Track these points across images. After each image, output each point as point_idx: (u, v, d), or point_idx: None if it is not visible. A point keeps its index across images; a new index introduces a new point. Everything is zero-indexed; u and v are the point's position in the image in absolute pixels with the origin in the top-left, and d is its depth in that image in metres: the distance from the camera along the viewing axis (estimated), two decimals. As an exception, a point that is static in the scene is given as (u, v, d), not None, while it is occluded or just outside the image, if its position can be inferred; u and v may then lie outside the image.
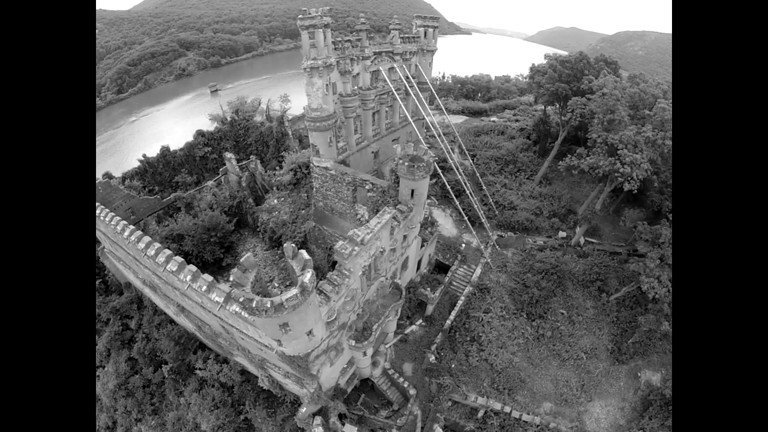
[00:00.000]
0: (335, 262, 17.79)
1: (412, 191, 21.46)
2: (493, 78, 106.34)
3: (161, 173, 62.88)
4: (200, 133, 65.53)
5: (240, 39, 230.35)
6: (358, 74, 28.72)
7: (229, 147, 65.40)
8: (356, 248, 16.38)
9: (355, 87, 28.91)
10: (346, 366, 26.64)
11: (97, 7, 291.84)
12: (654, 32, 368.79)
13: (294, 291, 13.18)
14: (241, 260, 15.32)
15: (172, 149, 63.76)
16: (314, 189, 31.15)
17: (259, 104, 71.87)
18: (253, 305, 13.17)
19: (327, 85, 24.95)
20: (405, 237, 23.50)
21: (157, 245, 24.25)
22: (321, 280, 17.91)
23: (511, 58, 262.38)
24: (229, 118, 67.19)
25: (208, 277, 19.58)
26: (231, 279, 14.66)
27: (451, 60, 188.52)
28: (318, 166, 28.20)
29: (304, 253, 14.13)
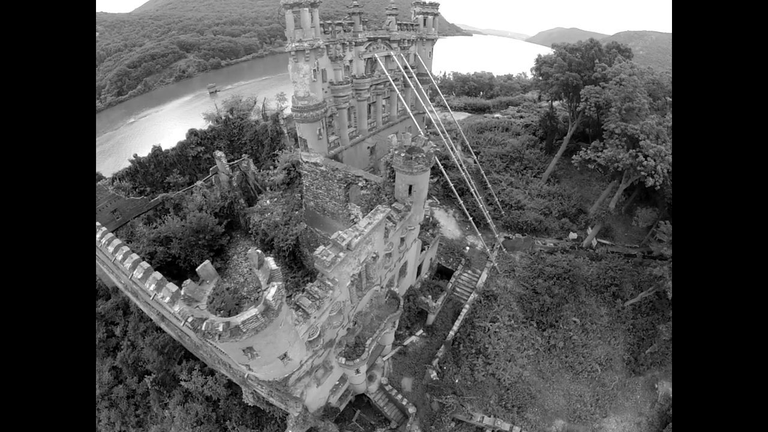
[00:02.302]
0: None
1: (410, 187, 18.80)
2: (495, 76, 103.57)
3: (153, 174, 61.24)
4: (193, 132, 63.53)
5: (240, 41, 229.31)
6: (351, 61, 26.25)
7: (222, 146, 63.29)
8: (341, 254, 13.79)
9: (348, 76, 26.42)
10: (337, 383, 24.11)
11: (98, 10, 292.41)
12: (655, 32, 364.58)
13: (253, 311, 10.60)
14: (197, 269, 12.85)
15: (164, 149, 62.21)
16: (304, 187, 28.64)
17: (255, 103, 69.66)
18: (203, 328, 10.61)
19: (315, 70, 22.48)
20: (402, 240, 20.85)
21: (126, 249, 21.96)
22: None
23: (512, 59, 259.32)
24: (223, 117, 65.17)
25: (172, 287, 17.22)
26: (182, 293, 12.13)
27: (453, 60, 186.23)
28: (307, 162, 25.67)
29: (270, 261, 11.55)
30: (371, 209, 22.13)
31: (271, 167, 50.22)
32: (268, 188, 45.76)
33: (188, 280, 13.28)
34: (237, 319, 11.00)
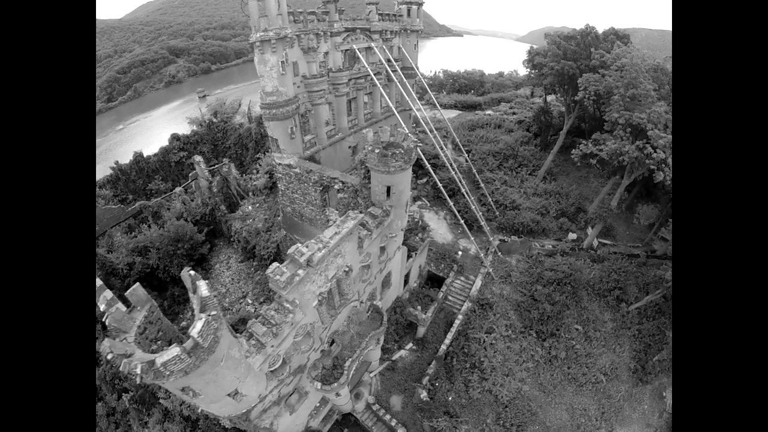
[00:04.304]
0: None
1: (388, 188, 16.52)
2: (486, 74, 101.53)
3: (134, 181, 59.28)
4: (175, 137, 61.33)
5: (230, 45, 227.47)
6: (326, 53, 24.06)
7: (206, 151, 61.15)
8: (300, 272, 11.55)
9: (324, 69, 24.21)
10: (318, 404, 21.85)
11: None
12: (644, 29, 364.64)
13: (175, 350, 8.39)
14: (126, 293, 10.65)
15: (146, 155, 60.25)
16: (280, 192, 26.39)
17: (239, 105, 67.41)
18: (121, 367, 8.54)
19: (283, 62, 20.25)
20: (383, 249, 18.60)
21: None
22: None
23: (503, 58, 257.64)
24: (207, 121, 62.96)
25: (123, 308, 15.04)
26: (107, 323, 9.95)
27: (444, 61, 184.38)
28: (280, 164, 23.39)
29: (202, 286, 9.31)
30: (350, 214, 19.90)
31: (255, 171, 48.13)
32: (250, 193, 43.59)
33: (114, 308, 11.06)
34: (158, 359, 8.80)
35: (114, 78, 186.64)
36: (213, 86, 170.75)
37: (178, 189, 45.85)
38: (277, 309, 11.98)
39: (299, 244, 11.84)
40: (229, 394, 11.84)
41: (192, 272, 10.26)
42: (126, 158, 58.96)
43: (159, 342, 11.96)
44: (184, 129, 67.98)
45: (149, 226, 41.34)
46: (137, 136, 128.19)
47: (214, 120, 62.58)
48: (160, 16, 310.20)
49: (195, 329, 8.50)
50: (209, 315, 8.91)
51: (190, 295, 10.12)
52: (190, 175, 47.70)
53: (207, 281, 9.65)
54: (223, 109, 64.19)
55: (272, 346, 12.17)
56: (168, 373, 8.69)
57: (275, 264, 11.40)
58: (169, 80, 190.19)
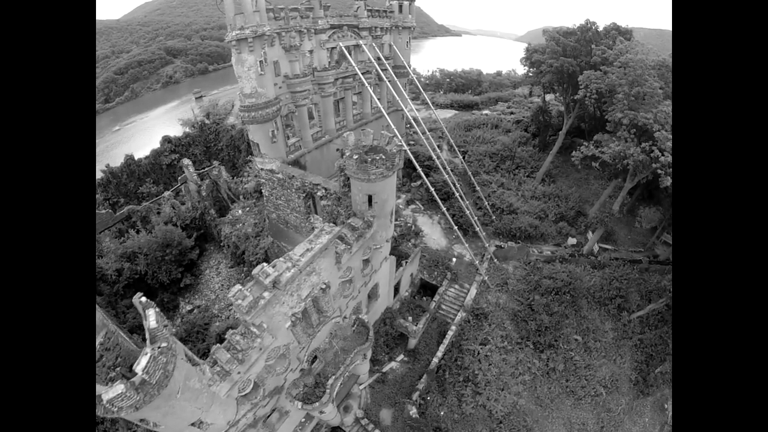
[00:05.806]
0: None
1: (370, 197, 15.40)
2: (484, 73, 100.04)
3: (126, 184, 58.29)
4: (167, 140, 60.26)
5: (228, 45, 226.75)
6: (311, 52, 22.92)
7: (198, 153, 60.14)
8: (265, 295, 10.43)
9: (308, 68, 23.06)
10: (303, 420, 20.84)
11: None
12: (643, 28, 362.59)
13: (120, 388, 7.40)
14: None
15: (137, 157, 59.35)
16: (265, 198, 25.29)
17: (233, 106, 66.32)
18: None
19: (262, 62, 19.12)
20: (367, 261, 17.45)
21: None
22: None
23: (501, 58, 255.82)
24: (199, 122, 61.91)
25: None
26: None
27: (442, 60, 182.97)
28: (263, 169, 22.26)
29: (151, 316, 8.26)
30: (335, 222, 18.77)
31: (246, 174, 47.07)
32: (241, 197, 42.50)
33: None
34: (104, 396, 7.82)
35: (111, 79, 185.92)
36: (210, 87, 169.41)
37: (167, 193, 44.77)
38: (243, 333, 10.86)
39: (265, 264, 10.71)
40: (193, 424, 10.77)
41: (143, 299, 9.19)
42: (120, 160, 58.09)
43: (118, 369, 10.88)
44: (178, 131, 66.96)
45: (138, 231, 40.49)
46: (134, 136, 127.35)
47: (207, 121, 61.54)
48: (158, 16, 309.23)
49: (139, 365, 7.45)
50: (157, 348, 7.82)
51: (144, 323, 9.03)
52: (179, 178, 46.65)
53: (157, 310, 8.53)
54: (216, 110, 63.10)
55: (239, 373, 11.06)
56: (116, 409, 7.71)
57: (237, 286, 10.29)
58: (167, 81, 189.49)
